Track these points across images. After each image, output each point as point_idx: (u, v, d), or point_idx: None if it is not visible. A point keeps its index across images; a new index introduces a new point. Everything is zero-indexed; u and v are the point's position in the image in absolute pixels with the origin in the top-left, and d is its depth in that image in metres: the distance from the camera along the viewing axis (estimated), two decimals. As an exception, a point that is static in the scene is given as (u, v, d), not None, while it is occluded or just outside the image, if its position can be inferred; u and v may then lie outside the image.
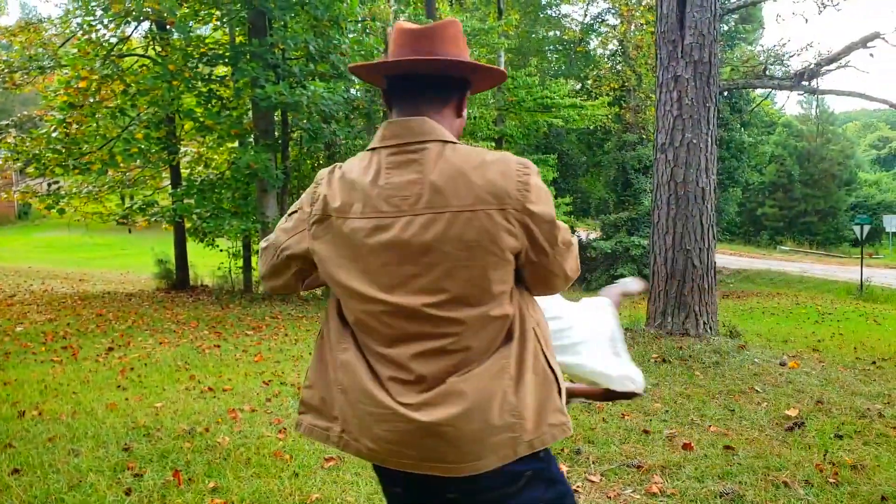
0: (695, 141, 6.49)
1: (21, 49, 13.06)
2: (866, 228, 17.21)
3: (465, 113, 1.50)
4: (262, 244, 1.55)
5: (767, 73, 10.76)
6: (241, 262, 14.04)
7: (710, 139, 6.56)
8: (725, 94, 23.91)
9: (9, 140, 12.82)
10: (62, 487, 3.21)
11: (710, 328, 6.56)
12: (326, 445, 1.48)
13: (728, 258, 23.71)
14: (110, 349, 7.09)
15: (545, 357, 1.41)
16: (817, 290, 17.37)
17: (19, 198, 14.20)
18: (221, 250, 13.62)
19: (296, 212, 1.48)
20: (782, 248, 32.36)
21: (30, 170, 12.97)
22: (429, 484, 1.38)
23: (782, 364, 5.73)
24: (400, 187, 1.32)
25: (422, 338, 1.32)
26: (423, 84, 1.41)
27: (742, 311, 12.11)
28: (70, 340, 7.61)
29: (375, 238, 1.32)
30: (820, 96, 11.48)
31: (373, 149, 1.39)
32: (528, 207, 1.32)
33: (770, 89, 14.44)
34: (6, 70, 12.94)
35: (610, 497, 3.17)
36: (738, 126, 26.02)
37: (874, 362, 6.32)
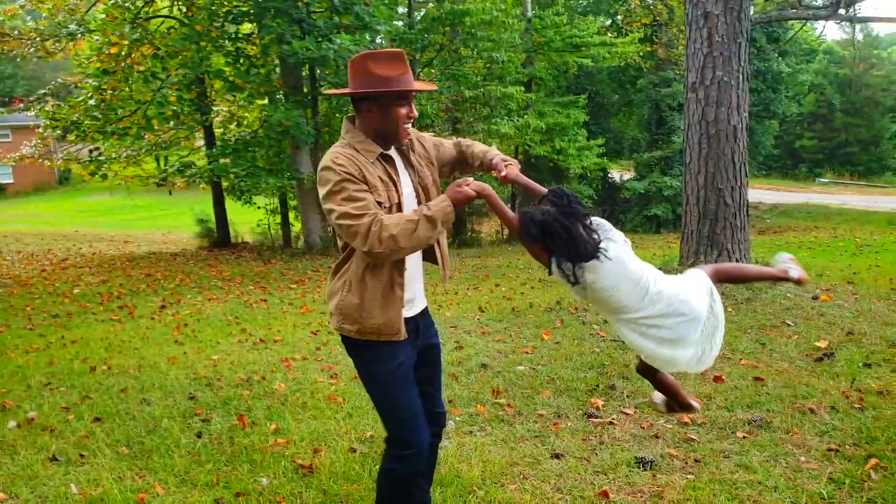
0: (725, 79, 6.42)
1: (49, 16, 13.23)
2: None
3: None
4: None
5: (803, 2, 10.32)
6: (279, 219, 14.38)
7: (741, 76, 6.47)
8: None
9: (47, 108, 13.16)
10: (140, 432, 3.54)
11: (743, 265, 6.63)
12: None
13: (764, 193, 23.27)
14: (163, 307, 7.48)
15: None
16: (857, 223, 17.04)
17: (62, 164, 14.57)
18: (259, 207, 13.94)
19: None
20: (821, 180, 31.49)
21: (70, 137, 13.31)
22: None
23: (815, 298, 5.79)
24: None
25: None
26: None
27: (777, 246, 12.02)
28: (125, 300, 8.04)
29: None
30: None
31: None
32: None
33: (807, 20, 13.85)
34: (38, 38, 13.16)
35: (643, 427, 3.38)
36: (776, 55, 25.01)
37: (910, 293, 6.33)
